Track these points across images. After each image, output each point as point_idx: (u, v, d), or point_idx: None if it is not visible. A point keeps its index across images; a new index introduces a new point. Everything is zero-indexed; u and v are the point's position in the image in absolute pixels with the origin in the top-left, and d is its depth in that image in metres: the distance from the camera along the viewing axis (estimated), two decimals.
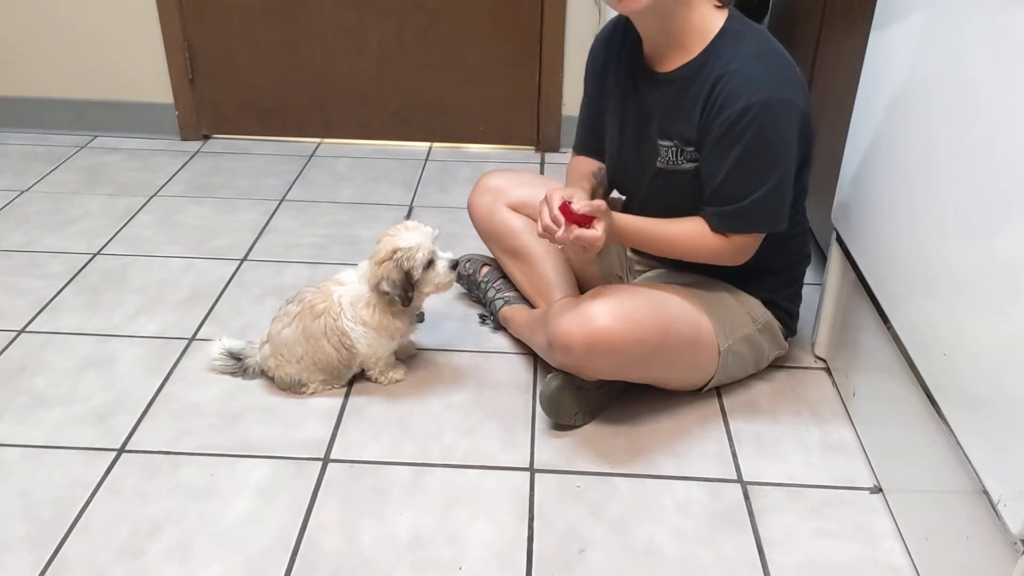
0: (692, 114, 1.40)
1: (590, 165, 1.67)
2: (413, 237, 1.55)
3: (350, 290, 1.60)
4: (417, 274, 1.55)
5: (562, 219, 1.34)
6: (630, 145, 1.55)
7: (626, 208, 1.70)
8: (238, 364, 1.66)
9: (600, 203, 1.36)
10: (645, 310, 1.44)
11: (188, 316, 1.87)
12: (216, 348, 1.67)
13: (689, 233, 1.45)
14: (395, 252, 1.54)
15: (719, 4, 1.39)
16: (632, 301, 1.44)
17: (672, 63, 1.43)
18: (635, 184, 1.60)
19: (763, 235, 1.45)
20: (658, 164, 1.49)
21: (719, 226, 1.43)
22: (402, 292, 1.54)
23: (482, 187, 1.84)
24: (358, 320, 1.58)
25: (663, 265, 1.66)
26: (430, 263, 1.57)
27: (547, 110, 2.73)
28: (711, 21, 1.39)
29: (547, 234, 1.38)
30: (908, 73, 1.35)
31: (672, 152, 1.46)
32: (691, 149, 1.44)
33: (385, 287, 1.54)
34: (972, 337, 1.12)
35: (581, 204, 1.33)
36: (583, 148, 1.70)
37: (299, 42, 2.69)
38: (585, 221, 1.34)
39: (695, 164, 1.44)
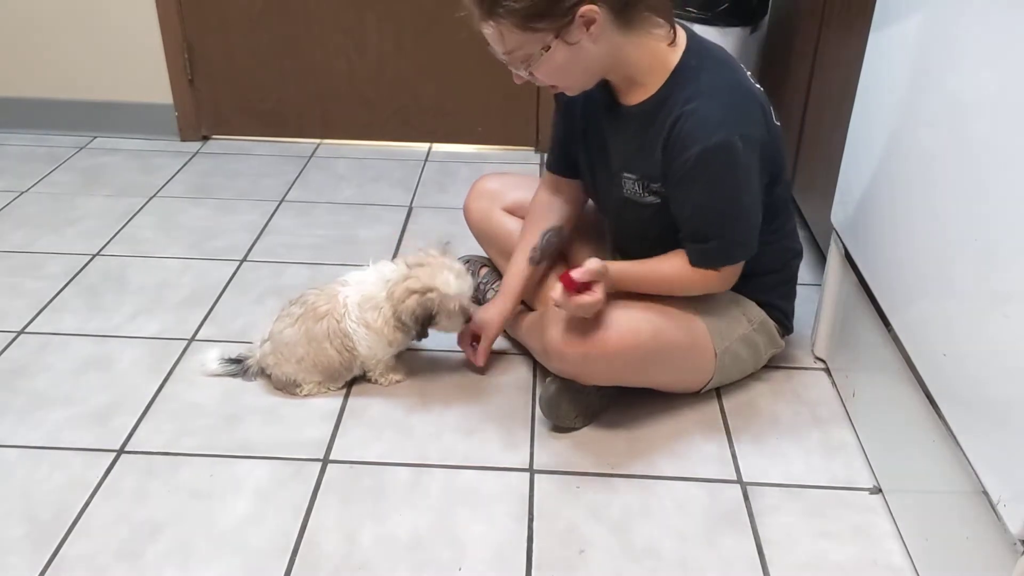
0: (654, 152, 1.39)
1: (554, 199, 1.67)
2: (457, 286, 1.54)
3: (358, 291, 1.58)
4: (440, 316, 1.56)
5: (559, 288, 1.34)
6: (599, 170, 1.55)
7: (609, 228, 1.71)
8: (238, 366, 1.65)
9: (597, 265, 1.34)
10: (639, 316, 1.44)
11: (188, 317, 1.87)
12: (212, 356, 1.66)
13: (677, 270, 1.44)
14: (431, 291, 1.53)
15: (671, 42, 1.37)
16: (626, 308, 1.44)
17: (633, 98, 1.41)
18: (608, 205, 1.60)
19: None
20: (624, 194, 1.48)
21: (699, 262, 1.43)
22: (420, 328, 1.55)
23: (478, 191, 1.84)
24: (361, 322, 1.57)
25: None
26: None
27: (546, 111, 2.73)
28: (666, 57, 1.37)
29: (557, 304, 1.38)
30: (907, 73, 1.35)
31: (636, 184, 1.45)
32: (657, 185, 1.42)
33: (406, 319, 1.54)
34: (972, 338, 1.12)
35: (580, 272, 1.33)
36: (557, 165, 1.66)
37: (299, 43, 2.69)
38: (585, 287, 1.34)
39: (660, 200, 1.43)
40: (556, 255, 1.71)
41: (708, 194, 1.37)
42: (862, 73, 1.52)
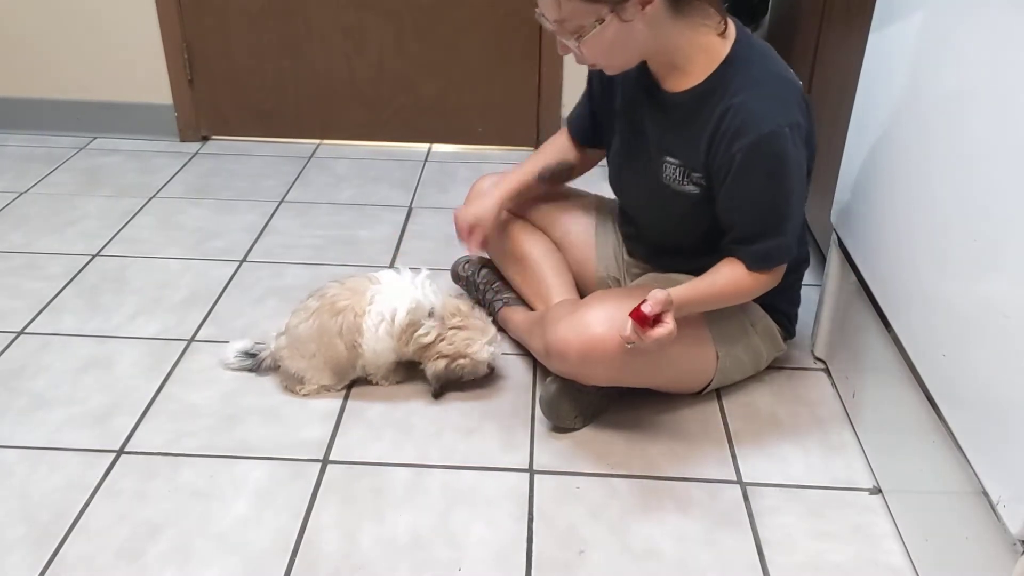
0: (699, 143, 1.38)
1: (565, 151, 1.71)
2: (490, 353, 1.58)
3: (393, 298, 1.57)
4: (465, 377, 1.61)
5: (630, 326, 1.30)
6: (633, 154, 1.54)
7: (623, 216, 1.70)
8: (253, 360, 1.66)
9: (664, 295, 1.30)
10: None
11: (187, 317, 1.87)
12: (231, 350, 1.68)
13: (735, 280, 1.41)
14: (463, 358, 1.55)
15: (722, 33, 1.37)
16: (628, 308, 1.43)
17: (677, 85, 1.41)
18: (635, 192, 1.60)
19: None
20: (662, 180, 1.47)
21: (757, 266, 1.40)
22: (440, 388, 1.58)
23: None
24: (381, 326, 1.56)
25: (656, 268, 1.64)
26: None
27: (547, 111, 2.73)
28: (716, 48, 1.37)
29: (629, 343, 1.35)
30: (907, 74, 1.35)
31: (678, 171, 1.44)
32: (698, 175, 1.42)
33: (431, 379, 1.56)
34: (972, 339, 1.12)
35: (650, 304, 1.29)
36: (580, 133, 1.68)
37: (299, 43, 2.69)
38: (657, 320, 1.31)
39: (699, 190, 1.43)
40: (559, 183, 1.76)
41: (759, 188, 1.36)
42: (862, 73, 1.52)
